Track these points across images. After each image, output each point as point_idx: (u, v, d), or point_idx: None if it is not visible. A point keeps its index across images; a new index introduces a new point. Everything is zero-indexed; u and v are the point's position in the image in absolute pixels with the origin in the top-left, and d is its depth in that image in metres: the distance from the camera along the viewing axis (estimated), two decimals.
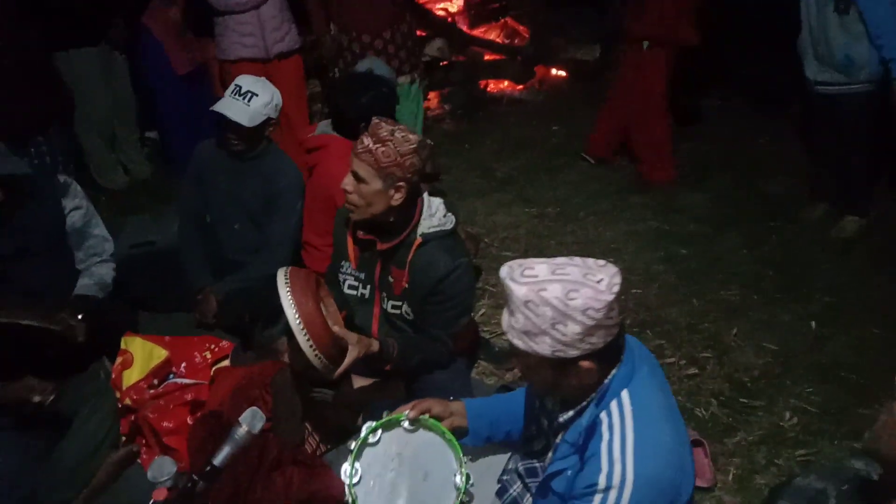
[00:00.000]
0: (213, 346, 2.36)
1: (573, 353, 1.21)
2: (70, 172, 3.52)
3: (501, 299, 3.15)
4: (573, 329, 1.19)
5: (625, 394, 1.29)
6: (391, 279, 2.00)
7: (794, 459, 2.30)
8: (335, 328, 1.79)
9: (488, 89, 5.93)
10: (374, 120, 1.89)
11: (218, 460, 1.56)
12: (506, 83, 6.06)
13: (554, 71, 6.15)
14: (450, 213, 2.01)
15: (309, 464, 1.97)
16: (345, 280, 2.11)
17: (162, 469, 1.64)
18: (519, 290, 1.20)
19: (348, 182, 1.89)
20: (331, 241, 2.49)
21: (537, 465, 1.49)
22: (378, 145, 1.82)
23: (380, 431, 1.55)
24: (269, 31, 3.68)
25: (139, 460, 2.17)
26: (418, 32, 5.77)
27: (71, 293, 2.29)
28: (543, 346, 1.21)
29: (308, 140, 2.69)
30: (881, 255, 3.38)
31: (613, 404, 1.29)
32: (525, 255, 3.52)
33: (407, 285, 1.97)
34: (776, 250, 3.51)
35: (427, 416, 1.55)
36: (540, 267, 1.23)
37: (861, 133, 3.40)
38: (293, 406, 2.08)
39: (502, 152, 4.78)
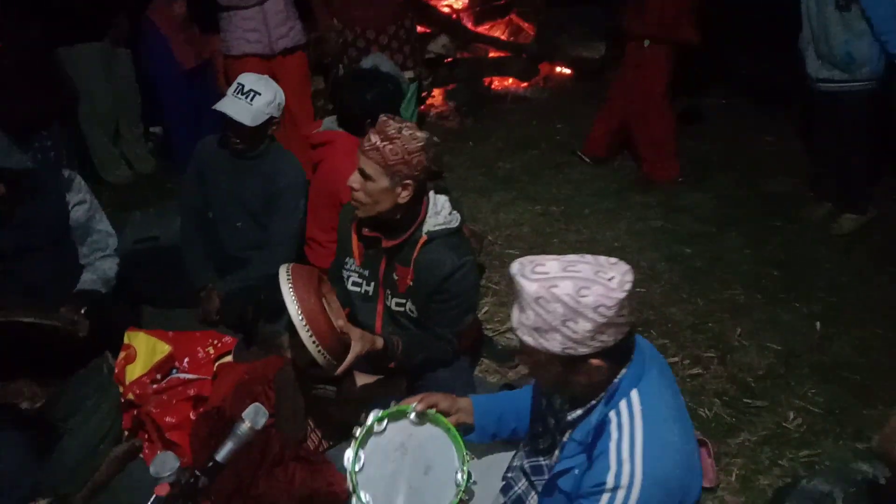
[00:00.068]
0: (216, 342, 2.36)
1: (583, 350, 1.21)
2: (74, 167, 3.52)
3: (505, 297, 3.17)
4: (584, 326, 1.18)
5: (634, 393, 1.28)
6: (396, 277, 2.00)
7: (797, 460, 2.30)
8: (339, 322, 1.79)
9: (492, 86, 5.91)
10: (382, 117, 1.88)
11: (220, 456, 1.55)
12: (510, 80, 6.05)
13: (558, 68, 6.14)
14: (455, 211, 2.00)
15: (311, 460, 1.97)
16: (349, 277, 2.11)
17: (164, 464, 1.64)
18: (530, 287, 1.20)
19: (355, 179, 1.88)
20: (335, 238, 2.48)
21: (543, 462, 1.48)
22: (386, 143, 1.81)
23: (386, 421, 1.55)
24: (274, 26, 3.67)
25: (142, 455, 2.17)
26: (423, 29, 5.77)
27: (74, 288, 2.29)
28: (553, 343, 1.21)
29: (313, 136, 2.69)
30: (883, 255, 3.38)
31: (623, 404, 1.28)
32: (528, 253, 3.48)
33: (411, 283, 1.96)
34: (779, 250, 3.50)
35: (434, 410, 1.55)
36: (551, 264, 1.22)
37: (861, 131, 3.40)
38: (296, 402, 2.08)
39: (506, 150, 4.78)
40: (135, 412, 2.17)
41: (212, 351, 2.32)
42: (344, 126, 2.61)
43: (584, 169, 4.42)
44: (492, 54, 6.16)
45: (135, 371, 2.21)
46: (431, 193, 1.99)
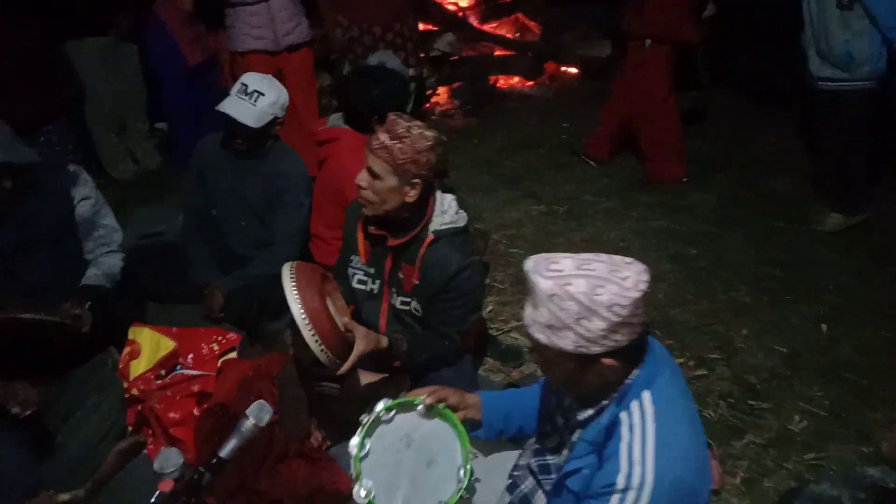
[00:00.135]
0: (220, 338, 2.35)
1: (596, 349, 1.20)
2: (79, 162, 3.52)
3: (509, 296, 3.17)
4: (597, 325, 1.18)
5: (646, 395, 1.27)
6: (401, 275, 1.99)
7: (802, 463, 2.29)
8: (344, 319, 1.78)
9: (498, 85, 5.90)
10: (391, 116, 1.87)
11: (224, 453, 1.55)
12: (515, 79, 6.04)
13: (564, 67, 6.13)
14: (462, 211, 1.99)
15: (314, 457, 1.96)
16: (354, 275, 2.10)
17: (168, 460, 1.64)
18: (544, 284, 1.20)
19: (363, 178, 1.87)
20: (339, 235, 2.48)
21: (550, 461, 1.48)
22: (394, 141, 1.80)
23: (394, 411, 1.54)
24: (280, 23, 3.66)
25: (145, 451, 2.16)
26: (428, 27, 5.77)
27: (77, 285, 2.28)
28: (566, 341, 1.20)
29: (319, 133, 2.68)
30: (884, 255, 3.38)
31: (634, 405, 1.27)
32: (532, 252, 3.47)
33: (417, 282, 1.96)
34: (782, 250, 3.49)
35: (443, 405, 1.54)
36: (565, 262, 1.22)
37: (860, 131, 3.40)
38: (299, 399, 2.07)
39: (511, 148, 4.77)
40: (139, 408, 2.16)
41: (216, 347, 2.32)
42: (350, 123, 2.60)
43: (589, 168, 4.42)
44: (497, 53, 6.15)
45: (139, 367, 2.21)
46: (438, 192, 1.99)
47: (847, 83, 3.28)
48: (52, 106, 3.53)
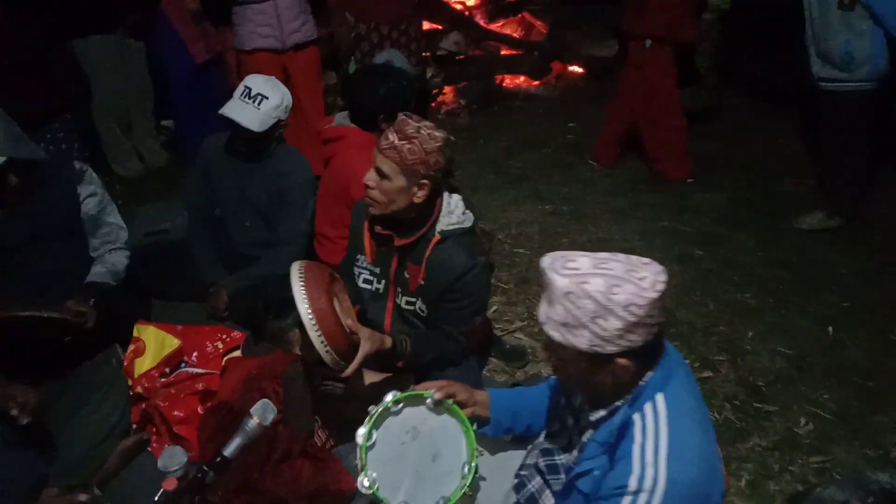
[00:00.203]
0: (224, 336, 2.36)
1: (611, 349, 1.20)
2: (86, 159, 3.53)
3: (514, 296, 3.16)
4: (613, 324, 1.17)
5: (660, 398, 1.27)
6: (407, 275, 1.99)
7: (808, 466, 2.27)
8: (348, 322, 1.78)
9: (504, 84, 5.89)
10: (401, 116, 1.86)
11: (228, 451, 1.55)
12: (522, 78, 6.02)
13: (570, 67, 6.11)
14: (468, 211, 1.99)
15: (318, 456, 1.97)
16: (360, 274, 2.10)
17: (172, 459, 1.64)
18: (560, 282, 1.19)
19: (371, 177, 1.86)
20: (344, 233, 2.47)
21: (559, 461, 1.47)
22: (404, 142, 1.80)
23: (402, 403, 1.54)
24: (286, 21, 3.66)
25: (150, 448, 2.17)
26: (435, 26, 5.76)
27: (84, 279, 2.29)
28: (581, 340, 1.20)
29: (325, 131, 2.68)
30: (887, 256, 3.36)
31: (648, 407, 1.27)
32: (538, 253, 3.50)
33: (423, 282, 1.95)
34: (790, 252, 3.47)
35: (452, 400, 1.54)
36: (582, 260, 1.22)
37: (860, 131, 3.40)
38: (304, 398, 2.07)
39: (516, 148, 4.76)
40: (143, 405, 2.17)
41: (220, 346, 2.32)
42: (356, 121, 2.59)
43: (594, 169, 4.41)
44: (503, 52, 6.14)
45: (143, 364, 2.21)
46: (445, 193, 1.98)
47: (846, 84, 3.28)
48: (57, 103, 3.54)
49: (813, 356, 2.77)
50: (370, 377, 2.08)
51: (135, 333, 2.28)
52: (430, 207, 1.93)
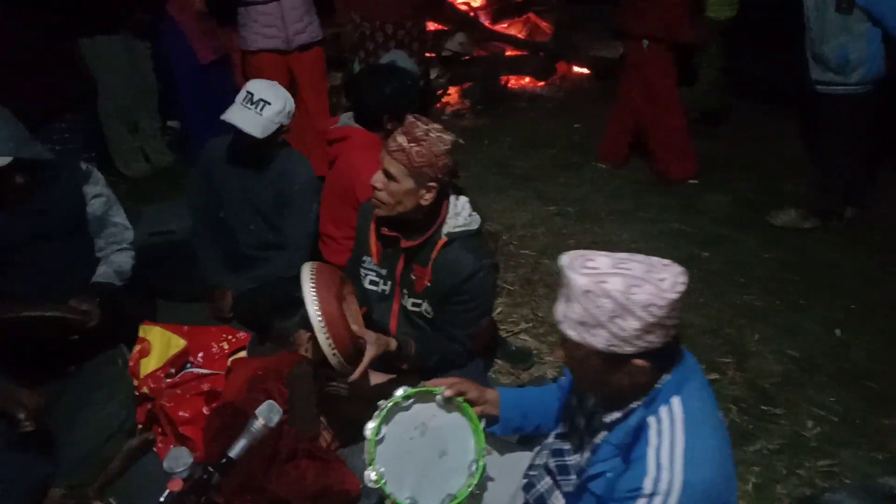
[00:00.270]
0: (230, 337, 2.36)
1: (628, 349, 1.19)
2: (92, 160, 3.54)
3: (519, 298, 3.15)
4: (632, 324, 1.17)
5: (676, 401, 1.26)
6: (413, 277, 1.98)
7: (815, 469, 2.26)
8: (354, 327, 1.78)
9: (509, 85, 5.88)
10: (410, 118, 1.86)
11: (234, 453, 1.56)
12: (527, 79, 6.02)
13: (576, 68, 6.10)
14: (475, 213, 1.98)
15: (323, 458, 1.96)
16: (366, 275, 2.10)
17: (178, 460, 1.64)
18: (579, 280, 1.19)
19: (378, 179, 1.86)
20: (349, 234, 2.47)
21: (569, 462, 1.46)
22: (413, 144, 1.80)
23: (412, 399, 1.54)
24: (291, 22, 3.66)
25: (155, 448, 2.17)
26: (440, 26, 5.76)
27: (91, 278, 2.29)
28: (598, 339, 1.20)
29: (330, 132, 2.68)
30: (889, 256, 3.36)
31: (664, 410, 1.26)
32: (543, 254, 3.49)
33: (429, 284, 1.95)
34: (796, 253, 3.46)
35: (462, 398, 1.53)
36: (601, 259, 1.21)
37: (856, 135, 3.41)
38: (309, 399, 2.07)
39: (522, 149, 4.75)
40: (149, 406, 2.17)
41: (226, 346, 2.33)
42: (360, 122, 2.59)
43: (600, 169, 4.40)
44: (508, 53, 6.14)
45: (149, 365, 2.22)
46: (452, 195, 1.98)
47: (842, 87, 3.29)
48: (63, 103, 3.54)
49: (819, 358, 2.76)
50: (375, 378, 2.07)
51: (140, 334, 2.28)
52: (437, 209, 1.92)
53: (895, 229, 3.59)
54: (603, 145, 4.45)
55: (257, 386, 2.08)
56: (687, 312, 3.03)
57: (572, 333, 1.22)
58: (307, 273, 1.73)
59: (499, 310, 3.05)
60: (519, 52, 6.16)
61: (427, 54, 4.62)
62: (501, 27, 6.32)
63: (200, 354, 2.31)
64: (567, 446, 1.48)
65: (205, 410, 2.12)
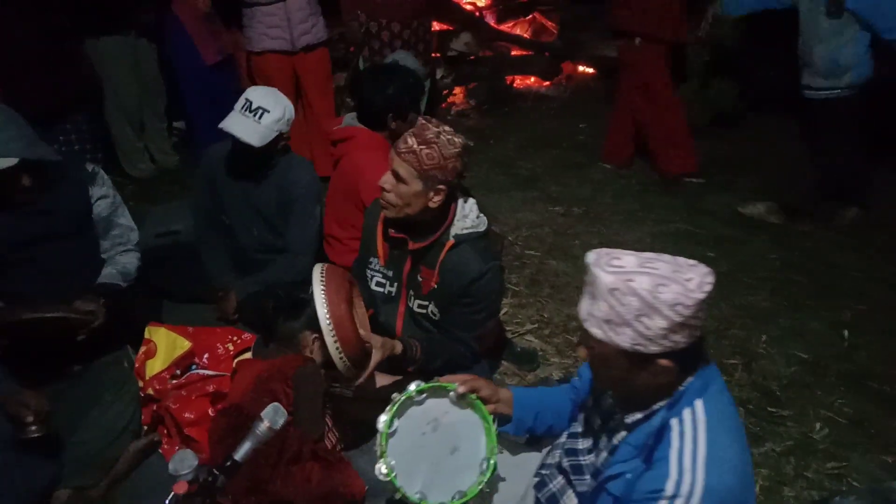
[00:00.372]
0: (235, 338, 2.35)
1: (653, 348, 1.19)
2: (98, 160, 3.55)
3: (525, 298, 3.15)
4: (658, 323, 1.16)
5: (699, 404, 1.26)
6: (420, 279, 1.98)
7: (823, 472, 2.24)
8: (361, 331, 1.77)
9: (514, 85, 5.87)
10: (421, 120, 1.85)
11: (239, 455, 1.55)
12: (532, 79, 6.01)
13: (581, 67, 6.09)
14: (482, 215, 1.97)
15: (329, 459, 1.95)
16: (372, 277, 2.09)
17: (183, 462, 1.64)
18: (607, 278, 1.19)
19: (387, 180, 1.85)
20: (353, 234, 2.47)
21: (583, 462, 1.46)
22: (423, 147, 1.79)
23: (425, 394, 1.53)
24: (296, 23, 3.66)
25: (160, 450, 2.17)
26: (445, 26, 5.75)
27: (97, 277, 2.29)
28: (624, 338, 1.19)
29: (334, 132, 2.67)
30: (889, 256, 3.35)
31: (687, 412, 1.25)
32: (549, 254, 3.48)
33: (436, 286, 1.94)
34: (804, 255, 3.45)
35: (475, 395, 1.53)
36: (628, 258, 1.21)
37: (846, 137, 3.43)
38: (314, 400, 2.06)
39: (527, 149, 4.74)
40: (154, 407, 2.17)
41: (231, 347, 2.32)
42: (363, 121, 2.59)
43: (606, 170, 4.39)
44: (514, 52, 6.13)
45: (155, 366, 2.21)
46: (459, 197, 1.97)
47: (831, 91, 3.32)
48: (69, 103, 3.55)
49: (828, 360, 2.74)
50: (380, 379, 2.07)
51: (146, 335, 2.28)
52: (445, 211, 1.91)
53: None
54: (606, 146, 4.44)
55: (263, 387, 2.07)
56: None
57: (597, 332, 1.22)
58: (317, 275, 1.73)
59: (504, 311, 3.04)
60: (524, 52, 6.15)
61: (433, 54, 4.61)
62: (507, 27, 6.31)
63: (206, 356, 2.30)
64: (581, 446, 1.48)
65: (210, 412, 2.11)
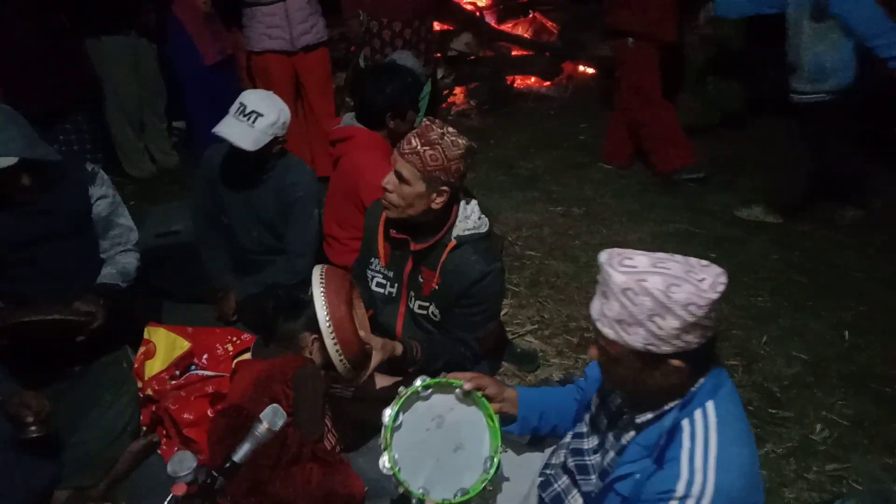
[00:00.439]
0: (234, 339, 2.35)
1: (665, 349, 1.18)
2: (98, 160, 3.54)
3: (525, 299, 3.14)
4: (671, 323, 1.16)
5: (710, 405, 1.25)
6: (421, 279, 1.97)
7: (824, 473, 2.24)
8: (361, 333, 1.77)
9: (514, 85, 5.87)
10: (425, 121, 1.85)
11: (238, 457, 1.54)
12: (533, 79, 6.00)
13: (581, 67, 6.08)
14: (484, 216, 1.97)
15: (328, 460, 1.95)
16: (373, 277, 2.09)
17: (182, 463, 1.63)
18: (619, 278, 1.18)
19: (389, 181, 1.85)
20: (353, 234, 2.46)
21: (589, 462, 1.45)
22: (426, 148, 1.78)
23: (431, 389, 1.52)
24: (296, 23, 3.66)
25: (159, 451, 2.17)
26: (446, 26, 5.75)
27: (97, 276, 2.29)
28: (636, 338, 1.19)
29: (333, 132, 2.67)
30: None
31: (698, 414, 1.25)
32: (549, 255, 3.48)
33: (437, 287, 1.94)
34: (805, 255, 3.44)
35: (480, 393, 1.52)
36: (640, 258, 1.21)
37: (833, 142, 3.44)
38: (314, 401, 2.06)
39: (528, 149, 4.73)
40: (153, 408, 2.17)
41: (230, 348, 2.32)
42: (362, 120, 2.59)
43: (607, 170, 4.38)
44: (514, 52, 6.12)
45: (154, 366, 2.21)
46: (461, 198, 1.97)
47: (815, 95, 3.33)
48: (69, 103, 3.55)
49: (829, 361, 2.74)
50: (380, 380, 2.07)
51: (145, 335, 2.28)
52: (447, 213, 1.91)
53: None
54: (606, 146, 4.45)
55: (262, 388, 2.07)
56: None
57: (609, 331, 1.21)
58: (317, 277, 1.72)
59: (504, 311, 3.04)
60: (525, 52, 6.14)
61: (435, 54, 4.61)
62: (507, 27, 6.30)
63: (205, 356, 2.30)
64: (587, 446, 1.48)
65: (209, 412, 2.11)
